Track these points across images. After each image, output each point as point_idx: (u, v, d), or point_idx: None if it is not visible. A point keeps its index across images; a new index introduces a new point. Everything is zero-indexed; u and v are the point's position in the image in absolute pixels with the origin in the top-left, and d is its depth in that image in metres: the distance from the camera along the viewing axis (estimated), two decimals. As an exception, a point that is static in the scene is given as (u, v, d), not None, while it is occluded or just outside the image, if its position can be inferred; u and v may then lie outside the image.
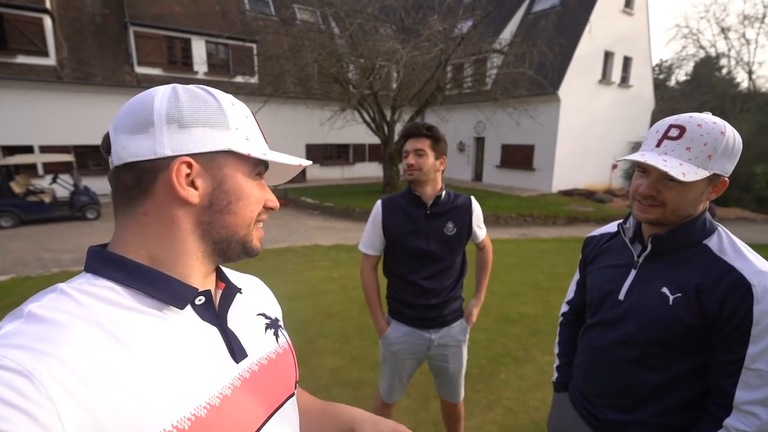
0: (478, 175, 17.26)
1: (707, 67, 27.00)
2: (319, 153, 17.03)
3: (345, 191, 13.34)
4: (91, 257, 0.51)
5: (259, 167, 0.57)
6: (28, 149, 11.28)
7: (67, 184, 9.74)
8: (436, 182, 1.69)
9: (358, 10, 11.12)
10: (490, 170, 16.53)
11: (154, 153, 0.49)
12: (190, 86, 0.54)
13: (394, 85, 11.62)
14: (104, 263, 0.50)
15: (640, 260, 1.01)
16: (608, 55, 14.79)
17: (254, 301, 0.68)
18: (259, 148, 0.56)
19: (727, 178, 0.89)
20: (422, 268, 1.69)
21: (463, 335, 1.83)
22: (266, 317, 0.67)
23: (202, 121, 0.51)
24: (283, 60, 11.27)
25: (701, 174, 0.85)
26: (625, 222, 1.08)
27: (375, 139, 14.17)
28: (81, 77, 11.92)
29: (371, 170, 18.15)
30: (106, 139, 0.52)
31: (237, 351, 0.55)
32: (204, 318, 0.54)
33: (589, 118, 14.34)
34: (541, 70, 11.97)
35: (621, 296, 1.02)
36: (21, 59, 11.16)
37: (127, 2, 12.79)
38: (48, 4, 11.51)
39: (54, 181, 9.74)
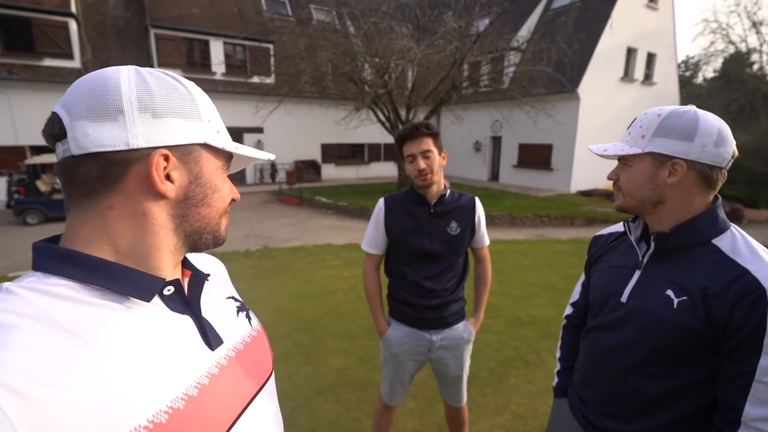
0: (494, 175, 17.02)
1: (737, 63, 25.95)
2: (334, 153, 17.09)
3: (359, 191, 13.34)
4: (40, 254, 0.47)
5: (228, 161, 0.59)
6: (52, 150, 11.66)
7: (89, 183, 10.03)
8: (441, 180, 1.65)
9: (373, 8, 11.09)
10: (507, 170, 16.27)
11: (127, 144, 0.46)
12: (154, 70, 0.51)
13: (409, 84, 11.53)
14: (56, 260, 0.46)
15: (645, 260, 0.94)
16: (631, 52, 14.34)
17: (221, 284, 0.67)
18: (230, 142, 0.57)
19: (683, 161, 0.84)
20: (424, 268, 1.65)
21: (466, 337, 1.76)
22: (235, 300, 0.66)
23: (176, 111, 0.49)
24: (298, 60, 11.34)
25: (628, 151, 0.90)
26: (633, 220, 1.02)
27: (390, 139, 14.13)
28: (104, 79, 12.28)
29: (386, 170, 18.12)
30: (55, 123, 0.47)
31: (212, 338, 0.54)
32: (174, 309, 0.52)
33: (611, 117, 13.92)
34: (560, 68, 11.68)
35: (623, 298, 0.95)
36: (48, 62, 11.57)
37: (148, 5, 13.11)
38: (73, 8, 11.91)
39: (77, 179, 10.05)
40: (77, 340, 0.41)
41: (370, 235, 1.75)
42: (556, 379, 1.24)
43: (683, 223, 0.88)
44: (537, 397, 2.65)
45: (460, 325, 1.74)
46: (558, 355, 1.27)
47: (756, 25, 23.49)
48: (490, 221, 9.84)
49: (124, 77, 0.47)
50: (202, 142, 0.52)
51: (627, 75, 14.41)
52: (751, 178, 17.91)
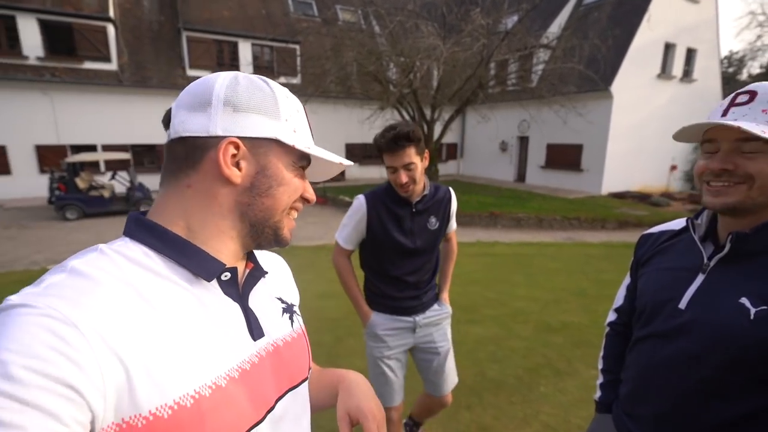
0: (521, 176, 16.61)
1: (786, 58, 24.32)
2: (359, 152, 17.13)
3: (383, 190, 13.28)
4: (131, 222, 0.54)
5: (302, 160, 0.60)
6: (91, 148, 12.22)
7: (124, 181, 10.45)
8: (422, 181, 1.64)
9: (399, 7, 11.02)
10: (534, 171, 15.83)
11: (207, 131, 0.53)
12: (251, 75, 0.57)
13: (434, 83, 11.39)
14: (142, 229, 0.53)
15: (712, 263, 0.82)
16: (669, 47, 13.65)
17: (274, 284, 0.69)
18: (304, 142, 0.59)
19: None
20: (405, 264, 1.69)
21: (445, 311, 1.85)
22: (282, 302, 0.68)
23: (255, 107, 0.55)
24: (324, 60, 11.41)
25: None
26: (696, 217, 0.90)
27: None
28: (139, 80, 12.75)
29: (410, 170, 17.99)
30: (168, 113, 0.56)
31: (255, 330, 0.57)
32: (227, 294, 0.56)
33: (646, 116, 13.32)
34: (592, 65, 11.26)
35: (682, 305, 0.84)
36: (87, 65, 12.12)
37: (181, 8, 13.53)
38: (111, 13, 12.42)
39: (113, 177, 10.48)
40: (149, 305, 0.46)
41: (348, 231, 1.72)
42: (598, 393, 1.13)
43: (766, 222, 0.76)
44: (569, 408, 2.51)
45: (435, 305, 1.83)
46: (600, 366, 1.16)
47: (808, 17, 21.94)
48: (517, 223, 9.59)
49: (222, 78, 0.55)
50: (274, 138, 0.55)
51: (664, 72, 13.73)
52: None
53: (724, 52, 30.99)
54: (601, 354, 1.17)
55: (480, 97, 11.22)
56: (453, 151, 19.60)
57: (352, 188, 13.74)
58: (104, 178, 11.37)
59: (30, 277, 5.15)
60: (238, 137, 0.53)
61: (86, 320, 0.41)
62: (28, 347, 0.37)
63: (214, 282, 0.55)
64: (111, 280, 0.46)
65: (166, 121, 0.56)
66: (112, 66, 12.48)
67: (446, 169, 18.96)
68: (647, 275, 0.98)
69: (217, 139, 0.53)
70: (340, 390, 0.69)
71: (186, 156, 0.54)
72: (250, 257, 0.63)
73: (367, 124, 11.95)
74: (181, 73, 13.48)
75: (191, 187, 0.54)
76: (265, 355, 0.57)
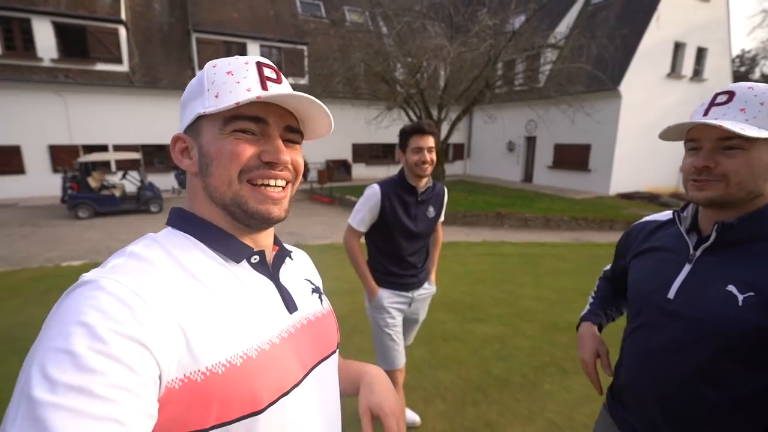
0: (528, 176, 16.55)
1: (799, 57, 23.92)
2: (366, 152, 17.19)
3: (389, 190, 13.31)
4: (172, 214, 0.61)
5: (232, 122, 0.55)
6: (103, 148, 12.43)
7: (134, 180, 10.62)
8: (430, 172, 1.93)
9: (407, 8, 11.04)
10: (542, 171, 15.76)
11: (180, 131, 0.61)
12: (209, 68, 0.59)
13: (441, 83, 11.40)
14: (180, 219, 0.60)
15: (698, 253, 0.86)
16: (678, 47, 13.51)
17: (302, 267, 0.75)
18: (228, 99, 0.54)
19: None
20: (410, 246, 1.99)
21: (432, 290, 2.22)
22: (311, 283, 0.74)
23: (190, 97, 0.59)
24: (331, 60, 11.48)
25: (756, 132, 0.73)
26: (682, 210, 0.94)
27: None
28: (149, 81, 12.94)
29: (416, 170, 18.01)
30: None
31: (290, 304, 0.62)
32: (260, 273, 0.61)
33: (655, 116, 13.18)
34: (600, 65, 11.20)
35: (671, 294, 0.87)
36: (99, 66, 12.33)
37: (191, 11, 13.69)
38: (123, 15, 12.61)
39: (124, 177, 10.66)
40: (197, 282, 0.53)
41: (361, 215, 1.94)
42: (585, 309, 1.23)
43: (753, 212, 0.80)
44: (574, 405, 2.53)
45: (426, 283, 2.18)
46: (591, 295, 1.28)
47: (823, 15, 21.54)
48: (524, 223, 9.56)
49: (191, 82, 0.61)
50: (196, 115, 0.57)
51: (674, 71, 13.59)
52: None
53: (736, 51, 30.51)
54: (592, 293, 1.29)
55: (487, 97, 11.21)
56: (460, 151, 19.58)
57: (359, 188, 13.76)
58: (115, 178, 11.56)
59: (44, 274, 5.27)
60: (183, 131, 0.60)
61: (147, 291, 0.47)
62: (106, 312, 0.43)
63: (245, 263, 0.59)
64: (162, 260, 0.52)
65: None
66: (124, 67, 12.68)
67: (453, 169, 18.95)
68: (636, 267, 1.01)
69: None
70: (362, 385, 0.73)
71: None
72: (276, 241, 0.69)
73: (374, 124, 12.02)
74: (190, 74, 13.64)
75: (190, 181, 0.62)
76: (300, 327, 0.63)
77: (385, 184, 1.93)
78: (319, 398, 0.62)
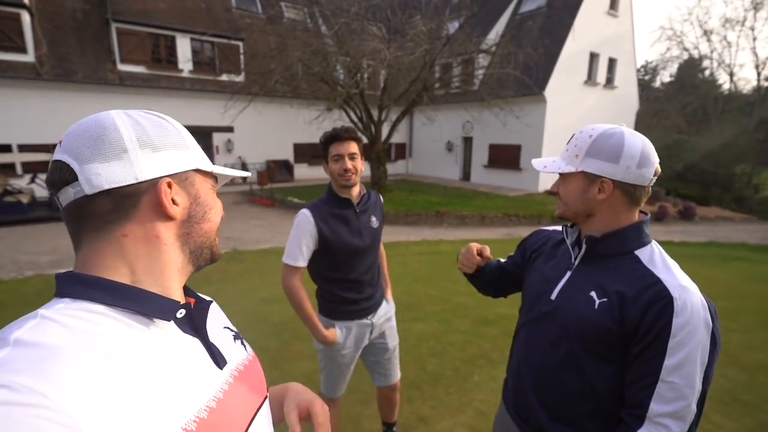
0: (466, 175, 17.36)
1: (691, 68, 27.51)
2: (307, 152, 16.92)
3: (332, 191, 13.24)
4: (64, 283, 0.51)
5: (215, 181, 0.67)
6: (6, 148, 11.00)
7: (45, 185, 9.53)
8: (358, 180, 1.78)
9: (345, 9, 11.05)
10: (478, 170, 16.63)
11: (136, 178, 0.52)
12: (139, 112, 0.58)
13: (381, 85, 11.58)
14: (81, 286, 0.50)
15: (576, 262, 1.03)
16: (593, 57, 14.97)
17: (218, 315, 0.73)
18: (214, 165, 0.65)
19: (610, 180, 0.93)
20: (362, 265, 1.81)
21: (392, 308, 2.04)
22: (231, 330, 0.72)
23: (170, 144, 0.57)
24: (269, 58, 11.16)
25: (564, 168, 0.99)
26: (571, 226, 1.11)
27: (363, 139, 14.11)
28: (61, 74, 11.67)
29: (360, 169, 18.07)
30: (64, 169, 0.51)
31: (219, 359, 0.60)
32: (184, 330, 0.57)
33: (576, 119, 14.49)
34: (527, 71, 12.04)
35: (553, 296, 1.04)
36: (-2, 56, 10.89)
37: (109, -2, 12.55)
38: (26, 0, 11.24)
39: (32, 181, 9.53)
40: (112, 360, 0.45)
41: (296, 248, 1.70)
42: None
43: (612, 231, 0.97)
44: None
45: (384, 302, 1.99)
46: None
47: (707, 33, 24.98)
48: (461, 221, 10.04)
49: (119, 121, 0.53)
50: (195, 168, 0.60)
51: (590, 79, 15.04)
52: (703, 178, 19.08)
53: (641, 62, 34.30)
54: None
55: (425, 98, 11.57)
56: (402, 151, 19.98)
57: (301, 188, 13.58)
58: (22, 182, 10.30)
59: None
60: (168, 175, 0.55)
61: (54, 388, 0.38)
62: None
63: (171, 321, 0.55)
64: (65, 342, 0.43)
65: (62, 180, 0.52)
66: (29, 58, 11.30)
67: (395, 168, 19.29)
68: (533, 272, 1.18)
69: (148, 183, 0.53)
70: (286, 396, 0.74)
71: (116, 207, 0.52)
72: (187, 292, 0.64)
73: (314, 124, 11.89)
74: (110, 67, 12.51)
75: (128, 236, 0.53)
76: (233, 381, 0.60)
77: (315, 207, 1.73)
78: None
